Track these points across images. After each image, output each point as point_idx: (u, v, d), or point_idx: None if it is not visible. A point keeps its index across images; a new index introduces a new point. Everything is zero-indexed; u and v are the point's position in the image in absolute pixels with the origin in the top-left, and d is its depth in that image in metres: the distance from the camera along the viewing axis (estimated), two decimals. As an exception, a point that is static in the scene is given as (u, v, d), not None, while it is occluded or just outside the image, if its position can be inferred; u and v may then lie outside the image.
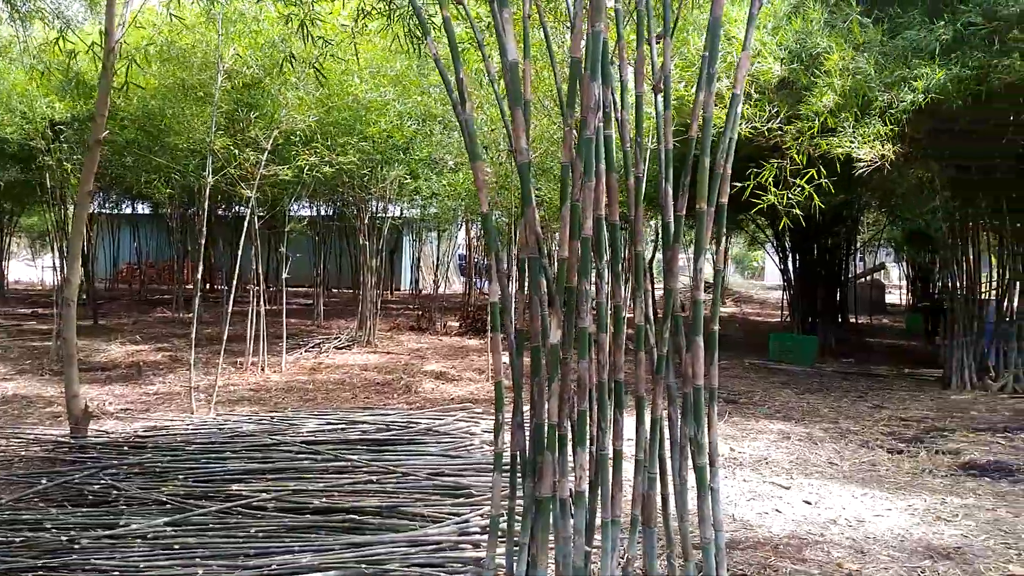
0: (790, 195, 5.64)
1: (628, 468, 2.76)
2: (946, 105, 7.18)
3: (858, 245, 18.28)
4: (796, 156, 5.66)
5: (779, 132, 6.07)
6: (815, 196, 5.50)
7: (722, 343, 11.33)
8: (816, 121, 5.95)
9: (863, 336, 14.65)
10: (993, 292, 9.43)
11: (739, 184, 5.83)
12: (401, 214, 15.40)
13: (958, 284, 9.33)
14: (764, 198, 5.78)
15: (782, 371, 9.99)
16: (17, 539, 3.41)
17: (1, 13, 8.92)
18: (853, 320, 16.34)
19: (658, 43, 3.12)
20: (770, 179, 5.64)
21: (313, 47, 5.95)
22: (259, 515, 3.74)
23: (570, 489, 2.66)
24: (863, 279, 20.20)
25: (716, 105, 4.90)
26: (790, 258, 13.71)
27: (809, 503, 4.54)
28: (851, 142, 5.97)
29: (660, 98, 2.97)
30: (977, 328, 9.09)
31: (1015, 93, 7.77)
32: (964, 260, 9.37)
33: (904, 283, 23.51)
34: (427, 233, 19.30)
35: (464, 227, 15.94)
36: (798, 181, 5.46)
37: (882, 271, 24.85)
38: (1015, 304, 9.04)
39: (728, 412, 7.19)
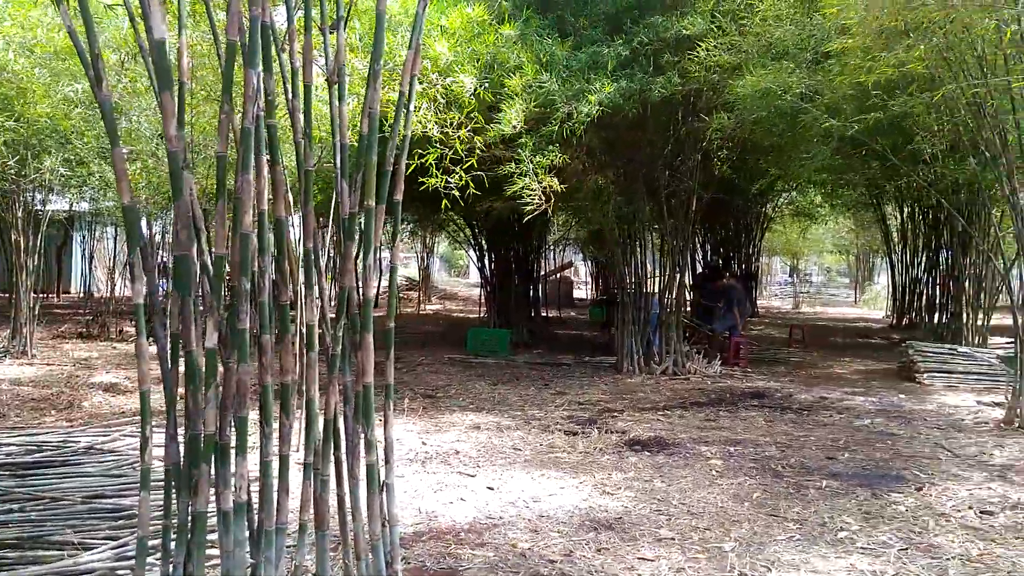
0: (449, 180, 5.92)
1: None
2: (618, 119, 7.94)
3: (549, 244, 19.66)
4: (459, 148, 5.93)
5: (469, 142, 6.29)
6: (471, 184, 5.84)
7: (424, 339, 11.51)
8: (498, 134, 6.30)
9: (553, 328, 15.77)
10: (657, 286, 10.60)
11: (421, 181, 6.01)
12: (70, 207, 13.74)
13: (629, 279, 10.34)
14: (426, 181, 6.00)
15: (479, 364, 10.42)
16: None
17: None
18: (545, 314, 17.53)
19: (331, 34, 3.05)
20: (432, 162, 5.88)
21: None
22: None
23: (233, 501, 2.50)
24: (554, 276, 21.77)
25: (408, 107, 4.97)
26: (487, 256, 14.36)
27: (492, 489, 4.75)
28: (526, 173, 6.33)
29: (335, 91, 2.91)
30: (644, 318, 10.15)
31: (670, 106, 8.81)
32: (633, 257, 10.42)
33: (590, 279, 25.74)
34: (103, 229, 17.42)
35: (147, 222, 14.61)
36: (457, 170, 5.76)
37: (571, 268, 26.98)
38: (675, 296, 10.23)
39: (424, 407, 7.33)
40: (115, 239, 17.33)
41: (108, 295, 14.08)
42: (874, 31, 5.66)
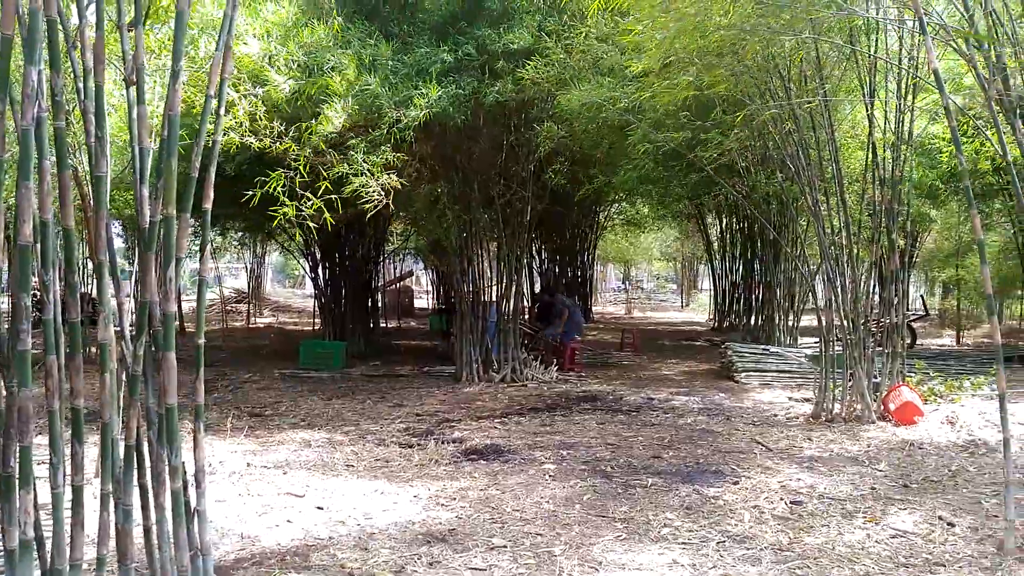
0: (301, 207, 5.67)
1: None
2: (451, 127, 7.96)
3: (387, 254, 19.42)
4: (303, 170, 5.70)
5: (293, 146, 6.08)
6: (325, 210, 5.62)
7: (254, 355, 10.96)
8: (322, 139, 6.11)
9: (392, 339, 15.57)
10: (495, 294, 10.69)
11: (249, 192, 5.72)
12: None
13: (467, 288, 10.37)
14: (280, 211, 5.71)
15: (312, 379, 10.10)
16: None
17: None
18: (384, 325, 17.30)
19: (130, 32, 2.86)
20: (279, 189, 5.60)
21: None
22: None
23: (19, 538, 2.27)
24: (393, 286, 21.55)
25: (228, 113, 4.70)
26: (321, 266, 13.97)
27: (322, 508, 4.58)
28: (362, 172, 6.20)
29: (134, 92, 2.72)
30: (482, 327, 10.21)
31: (504, 116, 8.93)
32: (471, 266, 10.46)
33: (431, 288, 25.66)
34: None
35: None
36: (307, 194, 5.52)
37: (411, 277, 26.81)
38: (512, 305, 10.36)
39: (251, 426, 7.01)
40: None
41: None
42: (673, 56, 5.92)
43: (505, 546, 3.96)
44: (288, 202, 5.63)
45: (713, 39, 5.48)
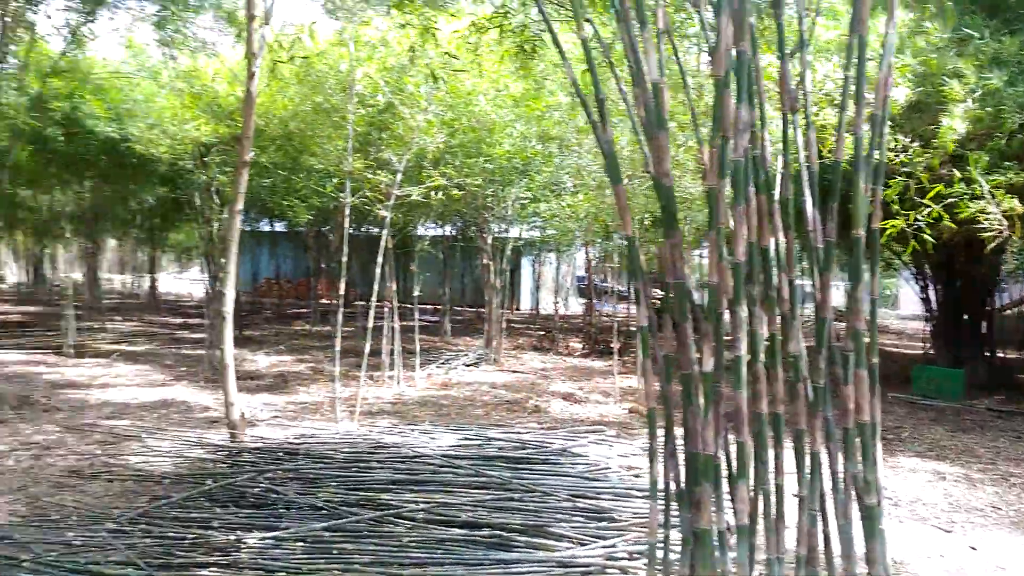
0: (918, 217, 5.26)
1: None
2: None
3: (1007, 274, 17.02)
4: (924, 179, 5.29)
5: (917, 150, 5.75)
6: (945, 215, 5.15)
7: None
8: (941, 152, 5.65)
9: (1013, 371, 13.63)
10: None
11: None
12: (520, 235, 15.54)
13: None
14: (890, 223, 5.41)
15: (929, 407, 9.42)
16: (189, 535, 3.67)
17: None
18: (1001, 355, 15.22)
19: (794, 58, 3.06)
20: (895, 197, 5.29)
21: (433, 65, 6.25)
22: (409, 525, 3.88)
23: (727, 523, 2.62)
24: (1010, 310, 18.80)
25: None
26: (931, 287, 12.98)
27: (975, 549, 4.27)
28: (980, 196, 5.50)
29: (799, 118, 2.91)
30: None
31: None
32: None
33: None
34: (545, 254, 19.45)
35: (584, 249, 16.03)
36: (925, 200, 5.12)
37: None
38: None
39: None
40: (557, 263, 19.36)
41: (555, 313, 15.83)
42: None
43: None
44: (901, 211, 5.24)
45: None
